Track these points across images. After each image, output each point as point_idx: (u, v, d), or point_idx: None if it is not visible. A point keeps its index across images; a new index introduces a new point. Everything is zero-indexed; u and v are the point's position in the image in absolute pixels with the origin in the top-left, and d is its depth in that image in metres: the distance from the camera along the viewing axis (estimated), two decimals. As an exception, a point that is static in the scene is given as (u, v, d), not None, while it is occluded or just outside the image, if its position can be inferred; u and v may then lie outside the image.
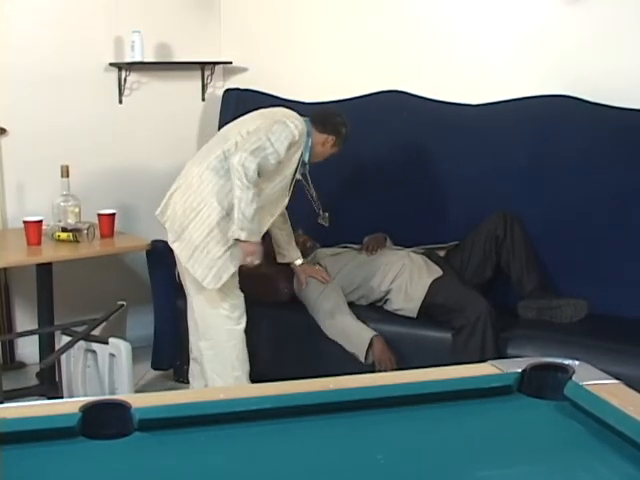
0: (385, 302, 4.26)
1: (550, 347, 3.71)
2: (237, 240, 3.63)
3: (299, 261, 4.29)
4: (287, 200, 3.92)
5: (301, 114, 3.87)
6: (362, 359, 4.03)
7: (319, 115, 3.99)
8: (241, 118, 3.90)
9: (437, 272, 4.19)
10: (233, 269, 3.72)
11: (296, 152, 3.76)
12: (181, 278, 3.99)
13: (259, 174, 3.60)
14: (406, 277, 4.18)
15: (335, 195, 4.81)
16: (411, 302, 4.14)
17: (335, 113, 4.05)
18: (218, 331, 3.84)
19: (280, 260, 4.28)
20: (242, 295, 3.86)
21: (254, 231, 3.62)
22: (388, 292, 4.22)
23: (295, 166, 3.81)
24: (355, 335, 4.08)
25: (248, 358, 3.90)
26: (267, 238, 4.06)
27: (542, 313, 4.07)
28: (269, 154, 3.62)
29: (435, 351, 3.95)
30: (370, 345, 4.02)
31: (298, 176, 3.91)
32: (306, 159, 3.88)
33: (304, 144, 3.81)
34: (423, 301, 4.10)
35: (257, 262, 3.72)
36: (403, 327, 4.12)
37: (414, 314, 4.13)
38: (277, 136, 3.65)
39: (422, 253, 4.36)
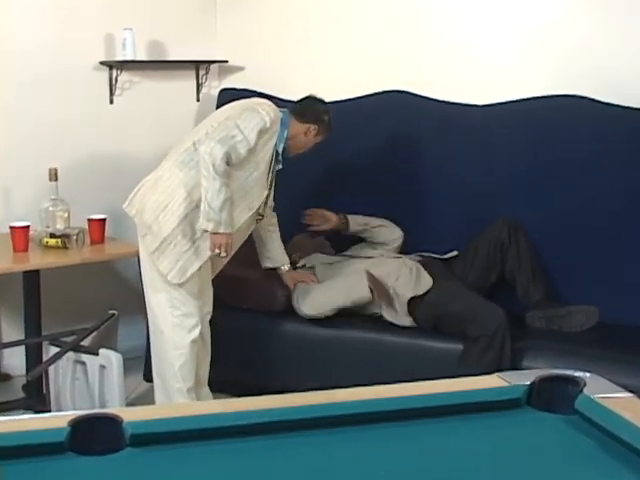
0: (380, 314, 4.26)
1: (560, 358, 3.72)
2: (205, 231, 3.69)
3: (286, 267, 4.29)
4: (267, 193, 3.93)
5: (280, 107, 3.91)
6: (371, 296, 4.13)
7: (298, 105, 4.04)
8: (215, 111, 3.96)
9: (426, 285, 4.19)
10: (198, 264, 3.76)
11: (269, 140, 3.79)
12: (142, 276, 3.99)
13: (229, 163, 3.65)
14: (400, 286, 4.19)
15: (333, 197, 4.82)
16: (400, 313, 4.15)
17: (315, 100, 4.07)
18: (166, 336, 3.87)
19: (266, 265, 4.28)
20: (198, 304, 3.86)
21: (222, 222, 3.65)
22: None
23: (270, 155, 3.83)
24: (350, 285, 4.16)
25: (193, 374, 3.91)
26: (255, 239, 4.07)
27: (551, 322, 4.07)
28: (238, 142, 3.66)
29: (439, 363, 3.95)
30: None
31: (278, 166, 3.92)
32: (279, 150, 3.88)
33: (278, 133, 3.83)
34: (434, 312, 4.09)
35: (224, 255, 3.74)
36: (405, 338, 4.12)
37: (412, 322, 4.13)
38: (246, 123, 3.69)
39: (418, 261, 4.35)
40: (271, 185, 3.95)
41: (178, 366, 3.85)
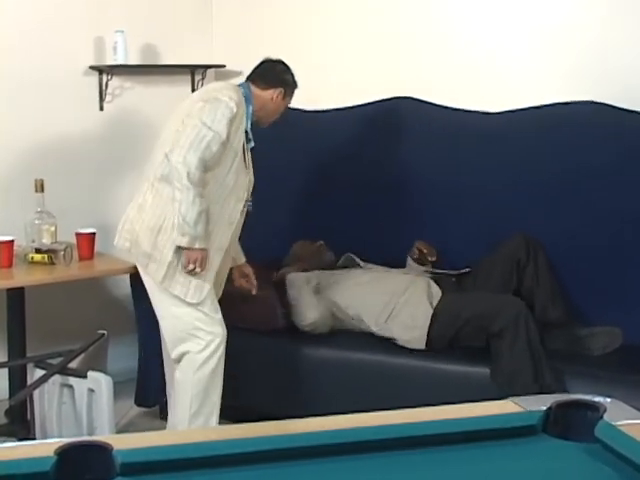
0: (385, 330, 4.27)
1: (578, 382, 3.71)
2: (180, 247, 3.68)
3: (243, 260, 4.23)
4: (250, 175, 3.92)
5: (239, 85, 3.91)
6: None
7: (257, 72, 4.01)
8: (175, 113, 3.91)
9: (437, 295, 4.22)
10: (211, 276, 3.78)
11: (240, 125, 3.77)
12: (156, 309, 3.96)
13: (206, 168, 3.62)
14: (408, 305, 4.20)
15: (340, 208, 4.84)
16: (415, 330, 4.14)
17: (272, 62, 4.05)
18: (182, 361, 3.88)
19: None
20: (219, 332, 3.86)
21: (198, 236, 3.64)
22: (387, 320, 4.22)
23: (243, 138, 3.81)
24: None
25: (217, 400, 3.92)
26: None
27: (572, 344, 4.05)
28: (210, 141, 3.62)
29: (450, 387, 3.95)
30: None
31: (250, 144, 3.90)
32: (248, 127, 3.86)
33: (245, 113, 3.80)
34: (449, 326, 4.10)
35: (199, 270, 3.71)
36: (414, 360, 4.11)
37: (422, 344, 4.12)
38: (212, 116, 3.64)
39: (429, 277, 4.36)
40: (249, 165, 3.92)
41: (195, 394, 3.88)
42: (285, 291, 4.44)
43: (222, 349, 3.87)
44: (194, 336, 3.83)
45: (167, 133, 3.80)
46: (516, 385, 3.73)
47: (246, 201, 3.89)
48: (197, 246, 3.66)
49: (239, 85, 3.89)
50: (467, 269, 4.45)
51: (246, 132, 3.85)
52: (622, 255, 4.30)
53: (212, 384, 3.88)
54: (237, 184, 3.82)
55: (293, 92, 4.03)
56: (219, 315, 3.88)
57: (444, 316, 4.12)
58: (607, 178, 4.35)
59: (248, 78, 4.00)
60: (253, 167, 3.98)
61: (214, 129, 3.62)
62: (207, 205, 3.65)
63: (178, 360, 3.89)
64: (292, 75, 4.02)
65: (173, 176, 3.61)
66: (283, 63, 4.04)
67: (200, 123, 3.62)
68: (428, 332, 4.12)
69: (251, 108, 3.86)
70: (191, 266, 3.69)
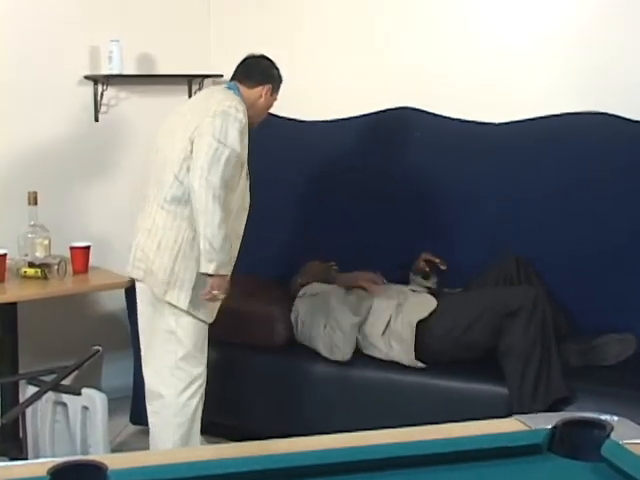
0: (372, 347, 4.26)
1: (585, 400, 3.70)
2: (205, 274, 3.60)
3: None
4: (248, 199, 3.86)
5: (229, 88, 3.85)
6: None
7: (242, 70, 3.94)
8: (166, 128, 3.85)
9: (430, 305, 4.20)
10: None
11: (246, 134, 3.71)
12: (178, 345, 3.83)
13: (227, 186, 3.56)
14: (397, 318, 4.20)
15: (342, 219, 4.84)
16: (402, 344, 4.14)
17: (256, 58, 3.99)
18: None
19: None
20: (204, 364, 3.83)
21: (224, 262, 3.59)
22: (377, 335, 4.23)
23: (247, 143, 3.74)
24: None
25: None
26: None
27: (585, 355, 4.04)
28: (228, 158, 3.55)
29: (451, 404, 3.95)
30: None
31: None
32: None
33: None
34: (448, 336, 4.11)
35: (222, 297, 3.69)
36: (416, 377, 4.11)
37: (411, 360, 4.13)
38: (225, 132, 3.57)
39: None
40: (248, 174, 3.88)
41: (179, 437, 3.82)
42: (291, 306, 4.46)
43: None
44: (174, 376, 3.79)
45: (172, 152, 3.69)
46: (527, 367, 3.83)
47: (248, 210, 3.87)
48: (222, 272, 3.59)
49: (228, 87, 3.85)
50: (459, 289, 4.44)
51: None
52: (630, 263, 4.30)
53: (194, 422, 3.84)
54: (244, 194, 3.80)
55: (279, 87, 3.98)
56: (205, 354, 3.85)
57: (443, 318, 4.13)
58: (615, 190, 4.36)
59: (233, 77, 3.94)
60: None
61: (229, 145, 3.56)
62: (229, 229, 3.61)
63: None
64: (277, 69, 3.97)
65: (195, 199, 3.52)
66: (267, 58, 3.99)
67: (215, 141, 3.54)
68: (422, 351, 4.12)
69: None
70: (214, 292, 3.63)
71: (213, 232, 3.51)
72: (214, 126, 3.58)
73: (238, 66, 3.99)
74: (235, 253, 3.79)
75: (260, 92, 3.89)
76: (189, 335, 3.75)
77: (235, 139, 3.58)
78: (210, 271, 3.56)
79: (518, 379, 3.86)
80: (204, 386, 3.84)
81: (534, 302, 3.91)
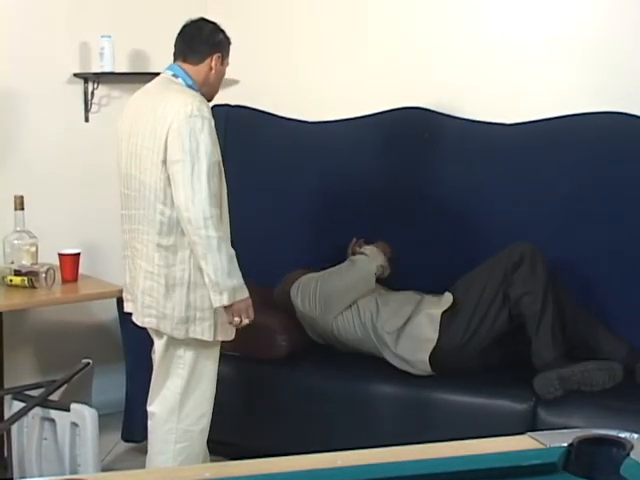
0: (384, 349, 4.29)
1: (603, 416, 3.70)
2: (222, 307, 3.49)
3: None
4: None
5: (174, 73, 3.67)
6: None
7: (183, 47, 3.71)
8: (128, 146, 3.63)
9: (447, 301, 4.28)
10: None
11: (215, 135, 3.51)
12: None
13: (217, 200, 3.42)
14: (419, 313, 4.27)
15: (345, 220, 4.86)
16: (420, 352, 4.17)
17: (196, 23, 3.77)
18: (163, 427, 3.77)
19: None
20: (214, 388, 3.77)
21: (235, 287, 3.46)
22: (392, 334, 4.27)
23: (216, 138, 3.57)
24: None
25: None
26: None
27: (565, 384, 4.03)
28: (209, 171, 3.38)
29: (463, 420, 3.95)
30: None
31: None
32: None
33: None
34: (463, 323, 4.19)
35: (248, 321, 3.56)
36: (424, 391, 4.11)
37: (423, 362, 4.16)
38: (195, 144, 3.39)
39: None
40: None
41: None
42: (287, 313, 4.52)
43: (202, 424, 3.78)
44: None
45: (149, 180, 3.52)
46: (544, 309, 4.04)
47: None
48: (239, 297, 3.48)
49: (173, 75, 3.64)
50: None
51: None
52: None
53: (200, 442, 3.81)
54: (225, 196, 3.66)
55: (229, 50, 3.74)
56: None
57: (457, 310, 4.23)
58: (632, 193, 4.36)
59: (176, 56, 3.71)
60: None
61: (204, 157, 3.39)
62: (233, 250, 3.47)
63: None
64: (222, 31, 3.74)
65: (187, 231, 3.39)
66: (208, 21, 3.75)
67: (188, 159, 3.37)
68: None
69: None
70: (237, 319, 3.52)
71: (214, 259, 3.39)
72: (182, 142, 3.39)
73: (177, 40, 3.75)
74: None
75: (209, 64, 3.67)
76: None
77: (208, 147, 3.41)
78: (225, 302, 3.45)
79: (536, 322, 4.06)
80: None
81: (533, 250, 4.11)
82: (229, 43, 3.75)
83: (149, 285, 3.61)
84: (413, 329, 4.23)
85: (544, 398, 3.92)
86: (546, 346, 4.06)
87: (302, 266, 4.68)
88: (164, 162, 3.45)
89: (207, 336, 3.59)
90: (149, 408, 3.83)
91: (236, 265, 3.46)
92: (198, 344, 3.64)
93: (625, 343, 4.20)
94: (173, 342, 3.67)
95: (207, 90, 3.70)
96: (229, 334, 3.67)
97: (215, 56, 3.68)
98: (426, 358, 4.15)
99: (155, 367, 3.83)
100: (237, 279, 3.47)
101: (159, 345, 3.75)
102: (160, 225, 3.52)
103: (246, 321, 3.55)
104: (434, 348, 4.16)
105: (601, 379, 4.00)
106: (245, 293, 3.51)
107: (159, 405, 3.76)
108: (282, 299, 4.59)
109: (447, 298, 4.29)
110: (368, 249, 4.57)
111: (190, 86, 3.63)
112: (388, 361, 4.28)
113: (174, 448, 3.72)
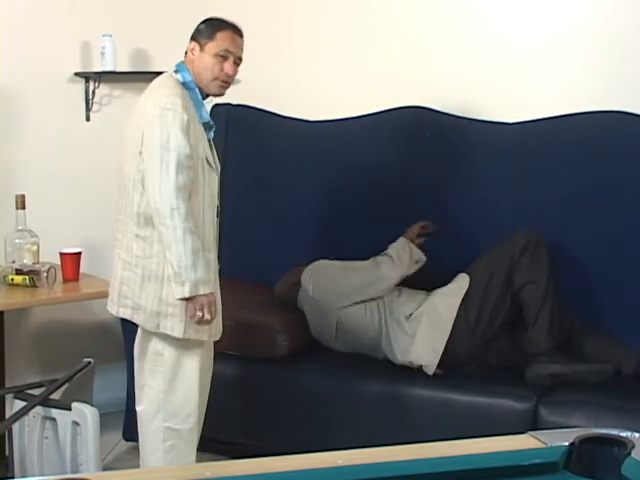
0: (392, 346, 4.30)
1: (604, 415, 3.70)
2: (183, 299, 3.46)
3: None
4: (216, 175, 3.68)
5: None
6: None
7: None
8: (124, 134, 3.67)
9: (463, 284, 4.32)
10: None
11: (195, 123, 3.54)
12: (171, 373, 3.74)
13: (188, 193, 3.42)
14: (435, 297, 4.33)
15: (343, 221, 4.85)
16: (439, 333, 4.21)
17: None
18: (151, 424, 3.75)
19: None
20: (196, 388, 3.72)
21: (199, 280, 3.42)
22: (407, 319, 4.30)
23: (202, 135, 3.59)
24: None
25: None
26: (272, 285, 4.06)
27: (556, 379, 4.07)
28: (178, 162, 3.39)
29: (463, 419, 3.96)
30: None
31: (211, 134, 3.70)
32: (205, 117, 3.65)
33: (194, 106, 3.59)
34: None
35: (209, 317, 3.49)
36: (427, 390, 4.12)
37: (436, 354, 4.17)
38: (166, 135, 3.40)
39: None
40: (216, 161, 3.73)
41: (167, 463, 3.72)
42: (288, 312, 4.53)
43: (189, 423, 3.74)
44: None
45: (129, 170, 3.57)
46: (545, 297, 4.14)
47: (218, 207, 3.71)
48: (202, 292, 3.45)
49: (175, 70, 3.67)
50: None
51: (205, 124, 3.66)
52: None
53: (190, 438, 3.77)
54: (209, 190, 3.62)
55: (213, 35, 3.67)
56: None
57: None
58: (633, 190, 4.36)
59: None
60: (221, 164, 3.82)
61: (174, 148, 3.40)
62: (202, 241, 3.47)
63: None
64: (209, 21, 3.74)
65: (155, 221, 3.43)
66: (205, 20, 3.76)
67: (158, 149, 3.41)
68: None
69: (198, 92, 3.65)
70: (199, 314, 3.46)
71: (178, 250, 3.38)
72: (154, 134, 3.44)
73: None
74: (215, 263, 3.66)
75: (190, 56, 3.67)
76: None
77: (178, 139, 3.42)
78: (186, 294, 3.43)
79: (536, 310, 4.16)
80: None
81: (537, 238, 4.20)
82: (213, 29, 3.70)
83: (127, 275, 3.61)
84: (433, 310, 4.27)
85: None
86: (541, 335, 4.15)
87: (301, 263, 4.67)
88: (140, 153, 3.49)
89: (177, 332, 3.56)
90: (137, 408, 3.81)
91: (202, 259, 3.44)
92: (178, 342, 3.62)
93: (634, 353, 4.22)
94: (151, 337, 3.67)
95: (200, 82, 3.67)
96: (201, 333, 3.60)
97: (191, 46, 3.69)
98: (444, 340, 4.18)
99: (135, 362, 3.82)
100: (201, 273, 3.43)
101: (137, 337, 3.77)
102: (137, 216, 3.54)
103: (207, 317, 3.49)
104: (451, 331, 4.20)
105: (592, 380, 4.05)
106: (208, 288, 3.47)
107: (145, 404, 3.76)
108: (286, 288, 4.59)
109: (463, 278, 4.32)
110: (395, 250, 4.49)
111: (189, 81, 3.63)
112: (387, 356, 4.30)
113: (163, 446, 3.70)
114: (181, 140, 3.42)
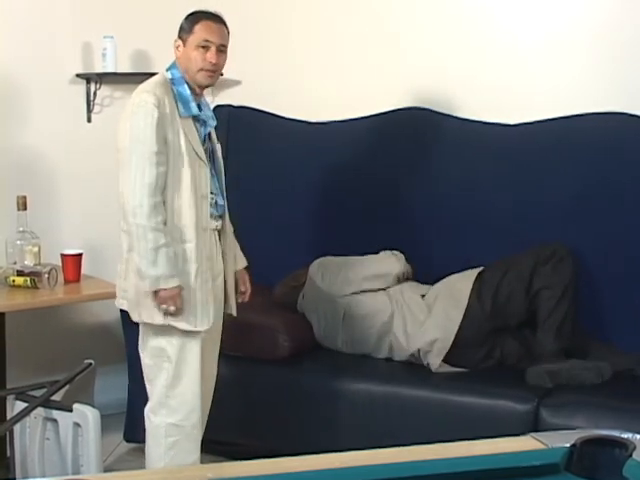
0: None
1: (605, 416, 3.70)
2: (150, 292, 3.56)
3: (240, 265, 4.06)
4: (219, 165, 3.78)
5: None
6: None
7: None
8: None
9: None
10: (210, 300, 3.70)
11: (174, 118, 3.57)
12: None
13: (157, 189, 3.48)
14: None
15: (344, 222, 4.85)
16: (455, 310, 4.26)
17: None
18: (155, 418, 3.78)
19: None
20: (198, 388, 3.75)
21: (160, 276, 3.50)
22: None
23: (186, 129, 3.60)
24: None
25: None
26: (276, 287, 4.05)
27: (554, 378, 4.08)
28: (145, 162, 3.47)
29: (462, 420, 3.96)
30: None
31: (207, 129, 3.73)
32: (194, 111, 3.65)
33: (178, 99, 3.62)
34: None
35: (173, 309, 3.57)
36: (428, 391, 4.12)
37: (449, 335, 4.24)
38: (134, 130, 3.52)
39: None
40: (211, 156, 3.76)
41: (169, 458, 3.75)
42: (289, 312, 4.55)
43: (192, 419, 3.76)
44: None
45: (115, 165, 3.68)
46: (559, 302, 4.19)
47: (212, 196, 3.71)
48: (162, 286, 3.52)
49: (167, 69, 3.72)
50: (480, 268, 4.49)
51: (196, 117, 3.68)
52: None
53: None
54: (198, 183, 3.63)
55: (192, 27, 3.68)
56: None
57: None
58: (636, 193, 4.36)
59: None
60: (226, 169, 3.87)
61: (138, 144, 3.49)
62: (168, 237, 3.52)
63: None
64: (190, 15, 3.73)
65: (122, 215, 3.55)
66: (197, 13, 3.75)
67: (125, 145, 3.54)
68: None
69: (187, 87, 3.67)
70: (163, 307, 3.57)
71: (139, 247, 3.50)
72: (124, 131, 3.56)
73: None
74: (208, 249, 3.68)
75: (176, 52, 3.73)
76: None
77: (147, 137, 3.49)
78: (147, 289, 3.55)
79: (547, 315, 4.19)
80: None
81: (566, 250, 4.23)
82: (192, 22, 3.70)
83: (120, 268, 3.73)
84: (448, 288, 4.35)
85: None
86: (548, 338, 4.18)
87: (302, 264, 4.67)
88: (118, 150, 3.59)
89: (157, 320, 3.63)
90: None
91: (164, 255, 3.50)
92: (180, 336, 3.66)
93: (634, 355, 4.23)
94: (150, 332, 3.72)
95: (188, 77, 3.70)
96: (184, 323, 3.63)
97: (177, 42, 3.73)
98: (460, 315, 4.23)
99: (140, 357, 3.86)
100: (162, 269, 3.50)
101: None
102: (120, 210, 3.61)
103: (172, 309, 3.57)
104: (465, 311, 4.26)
105: (588, 378, 4.06)
106: (171, 283, 3.53)
107: (150, 401, 3.80)
108: (285, 291, 4.63)
109: (477, 269, 4.40)
110: (398, 253, 4.59)
111: (177, 77, 3.68)
112: (393, 347, 4.34)
113: (165, 442, 3.74)
114: (149, 137, 3.50)
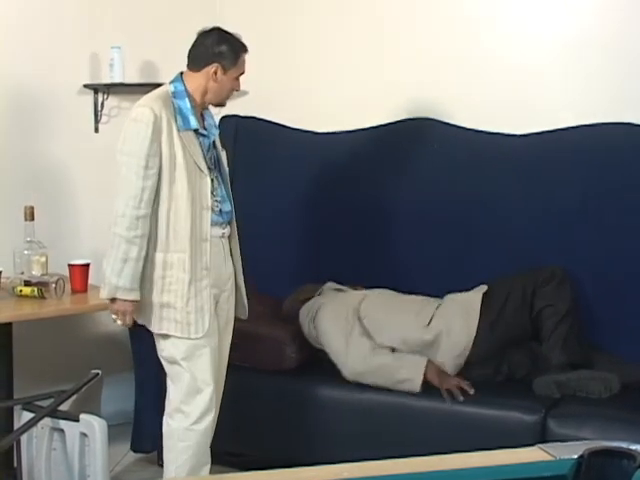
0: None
1: (613, 427, 3.70)
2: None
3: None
4: (224, 176, 3.82)
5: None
6: (417, 387, 4.14)
7: (189, 54, 3.79)
8: None
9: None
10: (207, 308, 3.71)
11: (171, 130, 3.59)
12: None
13: (143, 202, 3.56)
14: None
15: (352, 237, 4.85)
16: (469, 318, 4.27)
17: (206, 33, 3.80)
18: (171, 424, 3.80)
19: None
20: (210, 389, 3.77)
21: (119, 287, 3.58)
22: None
23: (185, 142, 3.62)
24: (403, 365, 4.18)
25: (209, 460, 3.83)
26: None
27: (562, 389, 4.08)
28: (129, 168, 3.56)
29: (468, 431, 3.96)
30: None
31: (208, 140, 3.76)
32: (193, 125, 3.67)
33: (177, 113, 3.65)
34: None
35: (121, 323, 3.69)
36: (434, 402, 4.11)
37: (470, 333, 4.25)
38: (126, 142, 3.62)
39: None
40: (214, 166, 3.78)
41: (185, 459, 3.78)
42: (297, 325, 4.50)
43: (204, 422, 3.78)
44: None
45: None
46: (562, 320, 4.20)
47: (217, 204, 3.74)
48: (119, 296, 3.61)
49: (170, 81, 3.75)
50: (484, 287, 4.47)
51: (196, 131, 3.70)
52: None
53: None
54: (195, 193, 3.65)
55: (237, 60, 3.75)
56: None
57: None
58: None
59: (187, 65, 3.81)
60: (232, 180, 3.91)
61: (128, 157, 3.58)
62: (142, 252, 3.59)
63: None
64: (228, 42, 3.75)
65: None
66: (218, 31, 3.79)
67: (118, 156, 3.63)
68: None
69: (187, 101, 3.68)
70: (113, 317, 3.69)
71: (111, 254, 3.60)
72: (120, 142, 3.64)
73: (188, 53, 3.83)
74: (209, 260, 3.69)
75: (207, 74, 3.71)
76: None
77: (140, 150, 3.55)
78: (103, 296, 3.66)
79: (550, 330, 4.20)
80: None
81: (563, 272, 4.25)
82: (236, 55, 3.76)
83: None
84: (458, 301, 4.36)
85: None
86: (554, 350, 4.18)
87: (309, 275, 4.67)
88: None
89: (156, 328, 3.72)
90: None
91: (131, 269, 3.58)
92: (189, 346, 3.69)
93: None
94: (160, 341, 3.76)
95: (211, 98, 3.78)
96: (181, 330, 3.66)
97: (213, 67, 3.72)
98: (476, 320, 4.24)
99: None
100: (125, 280, 3.58)
101: None
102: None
103: (119, 322, 3.69)
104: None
105: (596, 388, 4.06)
106: (128, 296, 3.61)
107: (167, 406, 3.83)
108: (291, 314, 4.59)
109: (481, 288, 4.38)
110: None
111: (179, 91, 3.71)
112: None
113: (178, 447, 3.76)
114: (142, 150, 3.56)
